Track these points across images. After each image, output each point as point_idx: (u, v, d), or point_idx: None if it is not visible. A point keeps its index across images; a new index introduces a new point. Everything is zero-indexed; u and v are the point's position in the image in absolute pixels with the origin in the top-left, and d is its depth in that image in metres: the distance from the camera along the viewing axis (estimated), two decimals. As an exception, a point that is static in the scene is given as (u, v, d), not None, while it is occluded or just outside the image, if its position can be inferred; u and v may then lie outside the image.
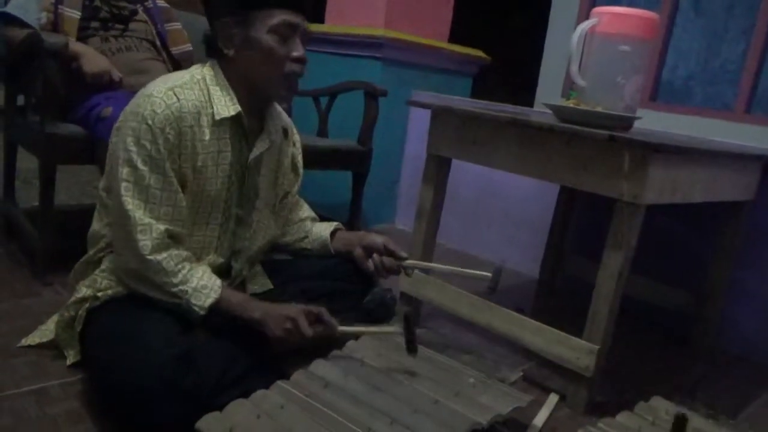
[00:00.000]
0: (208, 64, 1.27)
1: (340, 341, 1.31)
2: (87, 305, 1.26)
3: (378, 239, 1.47)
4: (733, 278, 2.04)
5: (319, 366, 1.30)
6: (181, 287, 1.19)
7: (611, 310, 1.44)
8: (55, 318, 1.43)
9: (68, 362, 1.33)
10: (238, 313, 1.22)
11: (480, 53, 3.31)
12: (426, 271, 1.50)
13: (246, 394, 1.13)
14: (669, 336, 2.12)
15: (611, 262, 1.43)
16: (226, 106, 1.23)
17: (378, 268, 1.46)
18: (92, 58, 1.77)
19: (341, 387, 1.23)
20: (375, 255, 1.46)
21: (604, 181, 1.42)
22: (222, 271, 1.35)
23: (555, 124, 1.49)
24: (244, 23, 1.20)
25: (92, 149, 1.70)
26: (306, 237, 1.55)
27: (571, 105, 1.58)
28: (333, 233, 1.53)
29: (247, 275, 1.43)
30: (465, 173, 2.77)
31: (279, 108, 1.41)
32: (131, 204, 1.16)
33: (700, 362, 1.97)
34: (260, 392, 1.16)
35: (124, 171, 1.17)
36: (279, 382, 1.21)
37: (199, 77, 1.24)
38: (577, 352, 1.47)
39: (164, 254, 1.18)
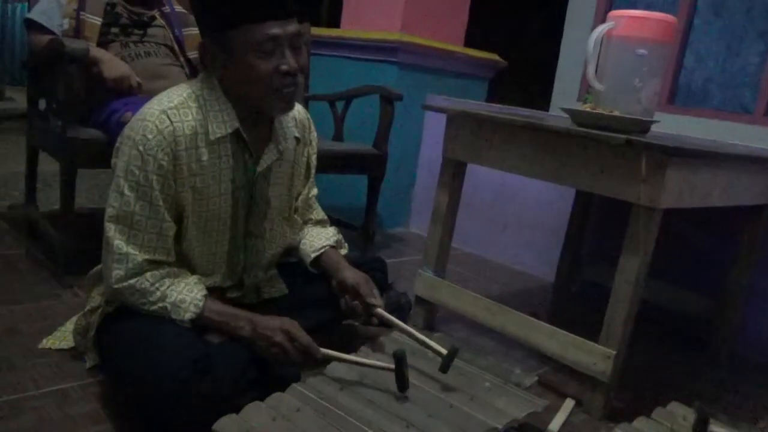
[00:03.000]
0: (204, 78, 1.22)
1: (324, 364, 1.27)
2: (100, 311, 1.27)
3: (350, 280, 1.40)
4: (753, 283, 2.02)
5: (334, 369, 1.31)
6: (159, 304, 1.18)
7: (628, 315, 1.43)
8: (73, 320, 1.45)
9: (87, 365, 1.35)
10: (224, 329, 1.21)
11: (496, 57, 3.31)
12: (389, 326, 1.43)
13: (262, 397, 1.14)
14: (688, 341, 2.10)
15: (628, 267, 1.42)
16: (223, 123, 1.19)
17: (348, 311, 1.41)
18: (112, 64, 1.80)
19: (356, 390, 1.23)
20: (347, 297, 1.41)
21: (621, 185, 1.41)
22: (236, 283, 1.36)
23: (571, 128, 1.49)
24: (225, 44, 1.14)
25: (111, 153, 1.72)
26: (296, 248, 1.51)
27: (588, 109, 1.58)
28: (318, 256, 1.48)
29: (263, 279, 1.43)
30: (480, 177, 2.76)
31: (292, 113, 1.36)
32: (112, 231, 1.16)
33: (720, 368, 1.95)
34: (276, 395, 1.16)
35: (112, 196, 1.16)
36: (295, 385, 1.21)
37: (197, 94, 1.19)
38: (594, 356, 1.47)
39: (137, 278, 1.17)
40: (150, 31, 1.98)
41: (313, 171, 1.49)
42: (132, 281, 1.17)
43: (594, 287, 2.24)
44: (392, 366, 1.21)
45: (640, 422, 1.31)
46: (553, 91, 5.19)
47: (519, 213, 2.76)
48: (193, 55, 2.08)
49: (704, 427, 1.15)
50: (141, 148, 1.13)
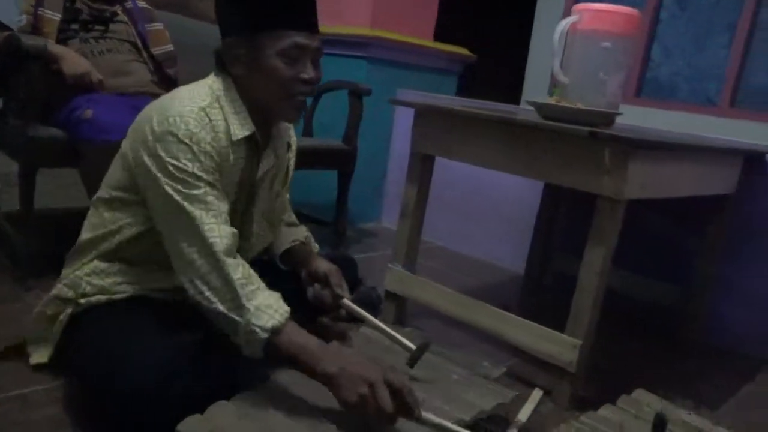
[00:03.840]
0: (219, 79, 1.22)
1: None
2: (70, 311, 1.25)
3: (321, 268, 1.40)
4: (719, 272, 2.06)
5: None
6: (244, 302, 1.08)
7: (594, 304, 1.45)
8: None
9: (32, 362, 1.31)
10: (303, 358, 1.08)
11: (465, 51, 3.32)
12: (357, 320, 1.42)
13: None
14: (655, 330, 2.14)
15: (593, 257, 1.44)
16: (241, 125, 1.20)
17: (315, 300, 1.40)
18: (72, 60, 1.76)
19: (325, 387, 1.23)
20: (316, 285, 1.40)
21: (586, 177, 1.43)
22: None
23: (537, 121, 1.50)
24: (252, 45, 1.16)
25: (74, 152, 1.69)
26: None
27: (553, 102, 1.59)
28: (290, 248, 1.49)
29: None
30: (452, 172, 2.76)
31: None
32: (190, 207, 1.11)
33: (686, 356, 1.99)
34: (243, 393, 1.15)
35: (175, 185, 1.11)
36: (262, 383, 1.20)
37: (218, 94, 1.20)
38: (561, 347, 1.48)
39: (232, 260, 1.11)
40: (112, 27, 1.95)
41: (291, 174, 1.50)
42: (230, 261, 1.09)
43: (564, 279, 2.25)
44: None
45: (605, 410, 1.33)
46: (524, 85, 5.23)
47: (491, 207, 2.77)
48: (157, 51, 2.05)
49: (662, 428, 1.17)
50: (188, 140, 1.11)
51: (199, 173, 1.12)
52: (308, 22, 1.18)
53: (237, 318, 1.08)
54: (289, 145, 1.41)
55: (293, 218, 1.58)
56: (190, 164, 1.11)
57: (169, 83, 2.05)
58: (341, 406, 1.07)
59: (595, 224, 1.43)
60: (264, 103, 1.21)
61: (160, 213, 1.15)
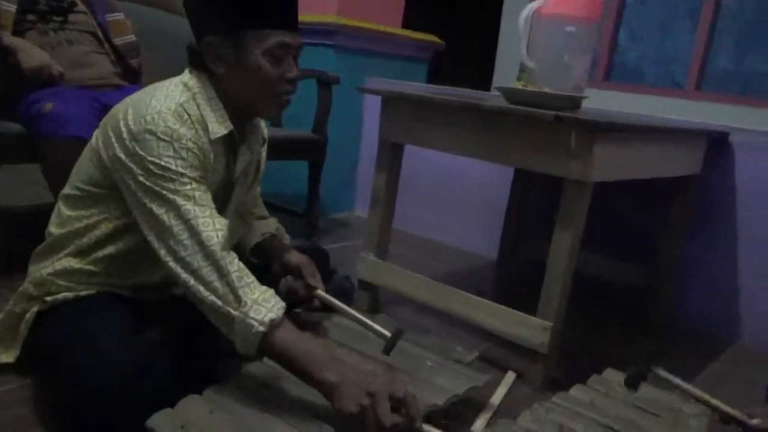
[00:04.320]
0: (194, 76, 1.19)
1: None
2: (36, 308, 1.22)
3: (294, 259, 1.39)
4: (685, 252, 2.10)
5: (275, 357, 1.29)
6: (240, 294, 1.06)
7: (563, 287, 1.47)
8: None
9: None
10: (303, 360, 1.05)
11: (434, 38, 3.31)
12: (331, 310, 1.42)
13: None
14: (624, 312, 2.17)
15: (562, 240, 1.45)
16: (219, 123, 1.18)
17: (288, 292, 1.38)
18: (30, 53, 1.71)
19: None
20: (288, 277, 1.39)
21: (553, 161, 1.44)
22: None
23: (503, 106, 1.50)
24: (235, 44, 1.14)
25: (35, 147, 1.65)
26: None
27: (520, 87, 1.60)
28: (261, 241, 1.48)
29: None
30: (423, 159, 2.77)
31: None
32: (180, 202, 1.08)
33: (654, 336, 2.02)
34: (214, 386, 1.14)
35: (165, 186, 1.09)
36: (233, 376, 1.20)
37: (193, 92, 1.17)
38: (532, 330, 1.50)
39: (227, 254, 1.08)
40: (71, 17, 1.89)
41: (263, 168, 1.48)
42: (225, 254, 1.07)
43: (535, 263, 2.28)
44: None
45: (576, 390, 1.35)
46: (495, 72, 5.25)
47: (463, 194, 2.78)
48: (119, 41, 2.00)
49: (638, 381, 1.19)
50: (168, 138, 1.09)
51: (183, 170, 1.10)
52: (292, 20, 1.18)
53: (233, 312, 1.05)
54: (264, 140, 1.40)
55: (264, 211, 1.57)
56: (172, 161, 1.09)
57: (132, 74, 2.01)
58: (337, 416, 1.03)
59: (562, 207, 1.45)
60: (247, 101, 1.20)
61: (145, 211, 1.11)
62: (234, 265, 1.08)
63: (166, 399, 1.08)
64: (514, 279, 2.44)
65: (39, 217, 1.32)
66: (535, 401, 1.32)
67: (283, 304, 1.09)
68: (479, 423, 1.30)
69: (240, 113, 1.22)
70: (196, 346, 1.32)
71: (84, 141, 1.58)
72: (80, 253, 1.23)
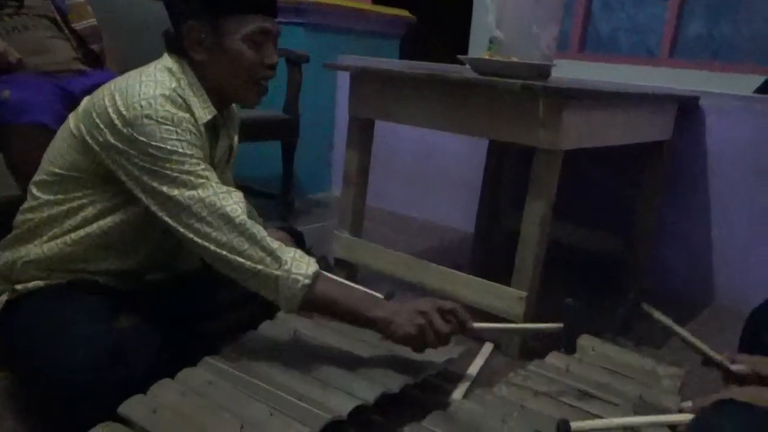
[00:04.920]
0: (175, 62, 1.18)
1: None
2: (5, 297, 1.20)
3: (272, 237, 1.41)
4: (659, 218, 2.11)
5: (249, 339, 1.29)
6: (279, 254, 1.10)
7: (537, 257, 1.47)
8: None
9: None
10: (350, 303, 1.14)
11: (405, 13, 3.28)
12: None
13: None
14: (600, 279, 2.18)
15: (534, 210, 1.46)
16: (203, 109, 1.17)
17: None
18: (-16, 40, 1.66)
19: (273, 358, 1.22)
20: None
21: (522, 130, 1.44)
22: (155, 265, 1.31)
23: (470, 77, 1.49)
24: (215, 29, 1.14)
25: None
26: None
27: (487, 57, 1.58)
28: None
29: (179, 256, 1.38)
30: (398, 136, 2.76)
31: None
32: (197, 182, 1.09)
33: (629, 303, 2.04)
34: (187, 370, 1.14)
35: (177, 169, 1.09)
36: (207, 358, 1.19)
37: (178, 77, 1.16)
38: (507, 300, 1.50)
39: (252, 222, 1.11)
40: (27, 2, 1.83)
41: (235, 153, 1.45)
42: (251, 223, 1.10)
43: (512, 235, 2.28)
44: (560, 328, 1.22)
45: (552, 357, 1.36)
46: (469, 45, 5.22)
47: (439, 169, 2.78)
48: (79, 26, 1.95)
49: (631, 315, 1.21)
50: (169, 122, 1.08)
51: (190, 151, 1.10)
52: (272, 5, 1.18)
53: (276, 272, 1.09)
54: (239, 124, 1.40)
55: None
56: (179, 144, 1.09)
57: (94, 60, 1.96)
58: (400, 343, 1.14)
59: (533, 177, 1.45)
60: (228, 87, 1.19)
61: (156, 194, 1.10)
62: (262, 230, 1.11)
63: (142, 386, 1.07)
64: (491, 251, 2.45)
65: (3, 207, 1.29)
66: (512, 370, 1.33)
67: (314, 259, 1.14)
68: (457, 393, 1.31)
69: (221, 99, 1.21)
70: (170, 332, 1.31)
71: (46, 127, 1.56)
72: (57, 238, 1.20)
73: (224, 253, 1.09)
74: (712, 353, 1.08)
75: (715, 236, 2.08)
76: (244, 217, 1.10)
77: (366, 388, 1.14)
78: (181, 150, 1.09)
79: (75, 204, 1.19)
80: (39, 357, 1.07)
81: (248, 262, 1.09)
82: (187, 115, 1.12)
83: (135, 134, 1.08)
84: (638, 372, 1.34)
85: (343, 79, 2.95)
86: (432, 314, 1.12)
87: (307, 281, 1.10)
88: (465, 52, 5.09)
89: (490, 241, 2.48)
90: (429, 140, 2.75)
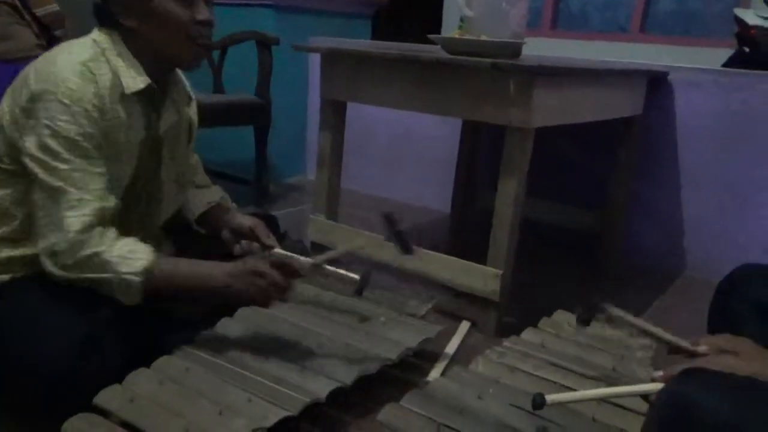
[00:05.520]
0: (104, 33, 1.15)
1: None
2: None
3: (246, 222, 1.38)
4: (633, 193, 2.14)
5: (225, 325, 1.29)
6: (106, 257, 1.06)
7: (511, 234, 1.48)
8: None
9: None
10: (191, 283, 1.13)
11: (377, -8, 3.25)
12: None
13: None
14: (576, 254, 2.22)
15: (507, 188, 1.46)
16: (134, 78, 1.14)
17: (243, 255, 1.36)
18: (-58, 28, 1.62)
19: (250, 343, 1.22)
20: (243, 241, 1.37)
21: (493, 109, 1.44)
22: None
23: (440, 56, 1.48)
24: None
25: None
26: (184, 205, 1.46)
27: (456, 36, 1.57)
28: (207, 211, 1.44)
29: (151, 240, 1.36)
30: (373, 119, 2.75)
31: (180, 74, 1.32)
32: (57, 182, 1.06)
33: (606, 275, 2.08)
34: (163, 358, 1.13)
35: (45, 154, 1.05)
36: (183, 346, 1.18)
37: (103, 47, 1.13)
38: (483, 278, 1.52)
39: (89, 233, 1.07)
40: (-15, -12, 1.79)
41: (195, 132, 1.43)
42: (85, 236, 1.06)
43: (488, 214, 2.30)
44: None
45: (527, 333, 1.38)
46: (442, 25, 5.19)
47: (414, 150, 2.77)
48: (41, 12, 1.90)
49: (591, 315, 1.21)
50: (66, 100, 1.04)
51: (76, 137, 1.06)
52: None
53: (106, 275, 1.06)
54: (190, 98, 1.36)
55: (205, 179, 1.53)
56: (66, 126, 1.05)
57: (58, 46, 1.91)
58: (250, 304, 1.20)
59: (505, 155, 1.45)
60: (163, 51, 1.16)
61: (33, 180, 1.08)
62: (93, 239, 1.07)
63: (118, 376, 1.07)
64: (467, 230, 2.46)
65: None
66: (488, 347, 1.34)
67: (148, 248, 1.11)
68: (434, 372, 1.33)
69: (158, 66, 1.18)
70: (146, 321, 1.30)
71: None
72: (14, 239, 1.17)
73: (61, 258, 1.07)
74: (674, 340, 1.11)
75: (686, 208, 2.11)
76: (78, 230, 1.06)
77: (343, 370, 1.15)
78: (64, 134, 1.05)
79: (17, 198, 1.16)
80: (13, 347, 1.06)
81: (77, 271, 1.07)
82: (90, 93, 1.07)
83: (37, 111, 1.05)
84: (612, 345, 1.36)
85: (316, 62, 2.92)
86: (268, 272, 1.12)
87: (138, 279, 1.07)
88: (439, 31, 5.06)
89: (466, 220, 2.50)
90: (404, 121, 2.74)
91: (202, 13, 1.15)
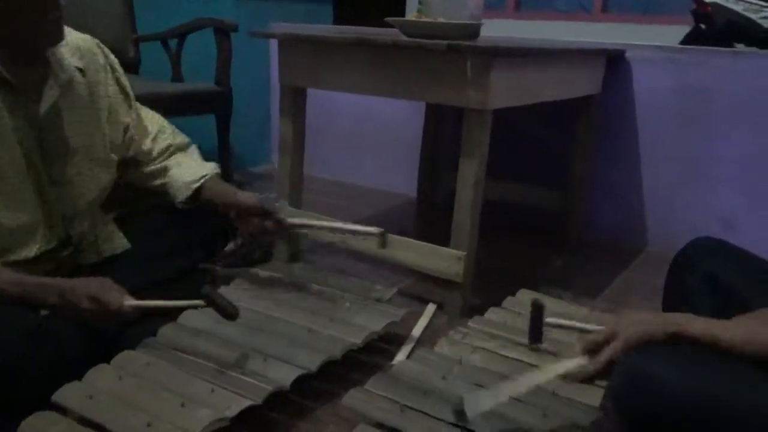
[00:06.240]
0: None
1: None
2: None
3: (251, 199, 1.37)
4: (593, 171, 2.17)
5: (188, 317, 1.27)
6: None
7: (473, 216, 1.49)
8: None
9: None
10: (27, 299, 1.06)
11: (337, -24, 3.21)
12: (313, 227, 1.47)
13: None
14: (540, 234, 2.24)
15: (467, 170, 1.47)
16: None
17: (258, 233, 1.38)
18: None
19: (212, 334, 1.21)
20: (255, 219, 1.36)
21: (451, 91, 1.44)
22: (64, 243, 1.25)
23: (397, 39, 1.48)
24: None
25: None
26: (166, 181, 1.40)
27: (413, 18, 1.57)
28: (200, 188, 1.39)
29: (100, 236, 1.34)
30: (337, 104, 2.73)
31: (74, 43, 1.24)
32: None
33: (569, 254, 2.11)
34: (124, 353, 1.12)
35: None
36: (145, 340, 1.17)
37: None
38: (447, 261, 1.52)
39: None
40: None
41: (131, 95, 1.37)
42: None
43: (453, 197, 2.31)
44: (202, 303, 1.12)
45: (491, 313, 1.40)
46: (406, 8, 5.17)
47: (379, 134, 2.77)
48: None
49: (540, 315, 1.23)
50: None
51: None
52: None
53: None
54: (81, 70, 1.25)
55: (181, 138, 1.48)
56: None
57: None
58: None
59: (464, 137, 1.46)
60: (13, 36, 1.09)
61: None
62: None
63: (75, 368, 1.05)
64: (433, 214, 2.47)
65: None
66: (453, 329, 1.36)
67: None
68: (400, 355, 1.34)
69: (16, 52, 1.11)
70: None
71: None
72: None
73: None
74: (589, 327, 1.14)
75: (645, 183, 2.15)
76: None
77: (308, 357, 1.15)
78: None
79: None
80: None
81: None
82: None
83: None
84: (575, 319, 1.38)
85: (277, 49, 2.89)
86: (100, 295, 1.06)
87: None
88: (403, 14, 5.03)
89: (431, 204, 2.51)
90: (367, 105, 2.73)
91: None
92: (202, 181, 1.38)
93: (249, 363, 1.12)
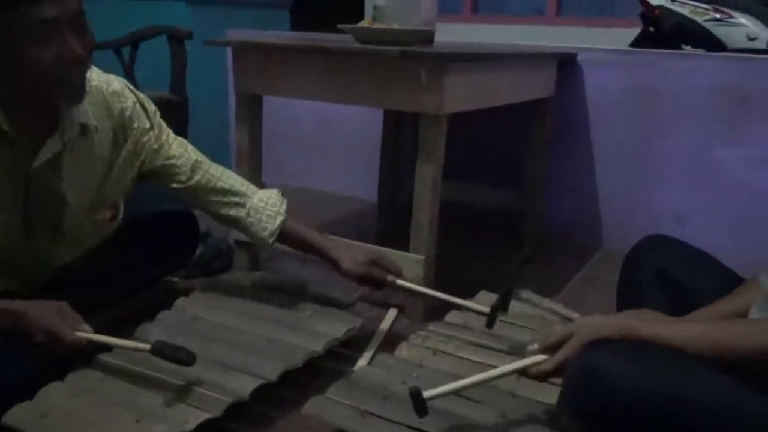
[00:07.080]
0: None
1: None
2: None
3: (361, 257, 1.36)
4: (550, 171, 2.21)
5: (144, 330, 1.25)
6: None
7: (431, 220, 1.50)
8: None
9: None
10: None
11: (293, -18, 3.21)
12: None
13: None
14: (499, 235, 2.27)
15: (424, 174, 1.48)
16: None
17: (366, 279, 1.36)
18: None
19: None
20: (375, 269, 1.36)
21: (406, 97, 1.45)
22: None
23: (350, 46, 1.49)
24: None
25: None
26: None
27: (366, 25, 1.58)
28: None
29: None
30: (296, 110, 2.72)
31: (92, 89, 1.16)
32: None
33: (529, 253, 2.14)
34: (77, 371, 1.10)
35: None
36: (99, 356, 1.15)
37: None
38: (407, 264, 1.53)
39: None
40: None
41: (128, 158, 1.29)
42: None
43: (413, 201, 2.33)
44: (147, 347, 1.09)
45: (450, 315, 1.41)
46: (365, 14, 5.19)
47: (339, 140, 2.76)
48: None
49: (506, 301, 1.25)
50: None
51: None
52: None
53: None
54: (84, 127, 1.16)
55: (242, 183, 1.52)
56: None
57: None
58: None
59: (421, 142, 1.47)
60: (30, 98, 1.05)
61: None
62: None
63: (29, 391, 1.03)
64: (395, 218, 2.48)
65: None
66: (414, 332, 1.36)
67: None
68: (362, 361, 1.33)
69: (30, 112, 1.06)
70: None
71: None
72: None
73: None
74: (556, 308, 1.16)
75: (600, 183, 2.20)
76: None
77: (268, 366, 1.15)
78: None
79: None
80: None
81: None
82: None
83: None
84: (533, 321, 1.41)
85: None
86: (53, 328, 1.05)
87: None
88: (359, 20, 5.05)
89: (392, 208, 2.51)
90: (327, 110, 2.72)
91: (72, 49, 0.98)
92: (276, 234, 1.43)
93: (207, 375, 1.11)
